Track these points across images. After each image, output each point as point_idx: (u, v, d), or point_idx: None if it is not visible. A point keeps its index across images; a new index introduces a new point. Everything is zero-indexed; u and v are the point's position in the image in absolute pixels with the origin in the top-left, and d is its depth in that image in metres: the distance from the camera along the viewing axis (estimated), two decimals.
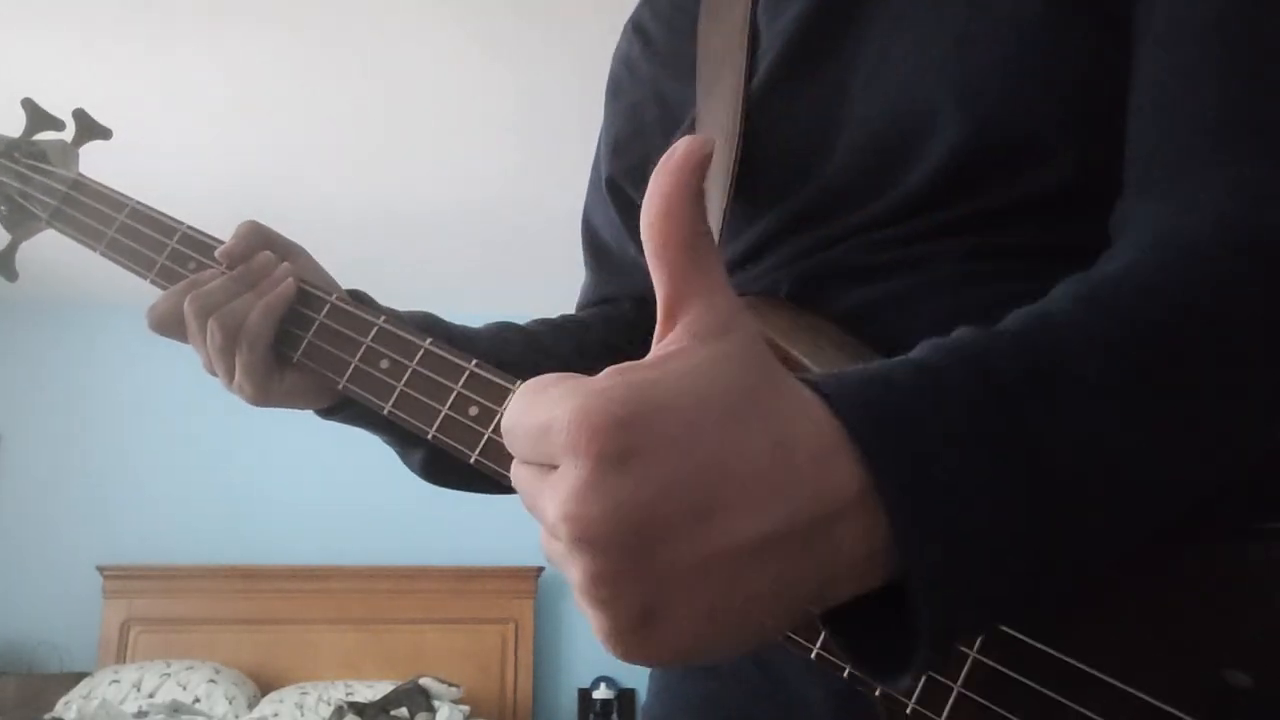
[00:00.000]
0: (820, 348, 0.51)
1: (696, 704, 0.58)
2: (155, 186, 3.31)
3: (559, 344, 0.69)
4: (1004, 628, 0.43)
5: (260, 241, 0.65)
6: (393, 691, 3.10)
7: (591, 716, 3.58)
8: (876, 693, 0.44)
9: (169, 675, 3.27)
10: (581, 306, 0.77)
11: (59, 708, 3.08)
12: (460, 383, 0.58)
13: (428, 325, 0.65)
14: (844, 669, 0.45)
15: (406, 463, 0.70)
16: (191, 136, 2.89)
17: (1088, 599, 0.42)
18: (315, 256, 0.68)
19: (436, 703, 3.10)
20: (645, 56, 0.69)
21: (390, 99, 2.83)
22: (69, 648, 3.61)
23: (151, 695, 3.16)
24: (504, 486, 0.69)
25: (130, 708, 3.04)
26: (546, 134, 2.99)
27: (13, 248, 0.79)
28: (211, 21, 2.48)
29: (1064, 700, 0.42)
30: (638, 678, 3.68)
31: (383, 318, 0.62)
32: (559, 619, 3.82)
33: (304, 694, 3.27)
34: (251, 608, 3.65)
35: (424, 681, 3.17)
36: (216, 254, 0.65)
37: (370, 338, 0.62)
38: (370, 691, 3.22)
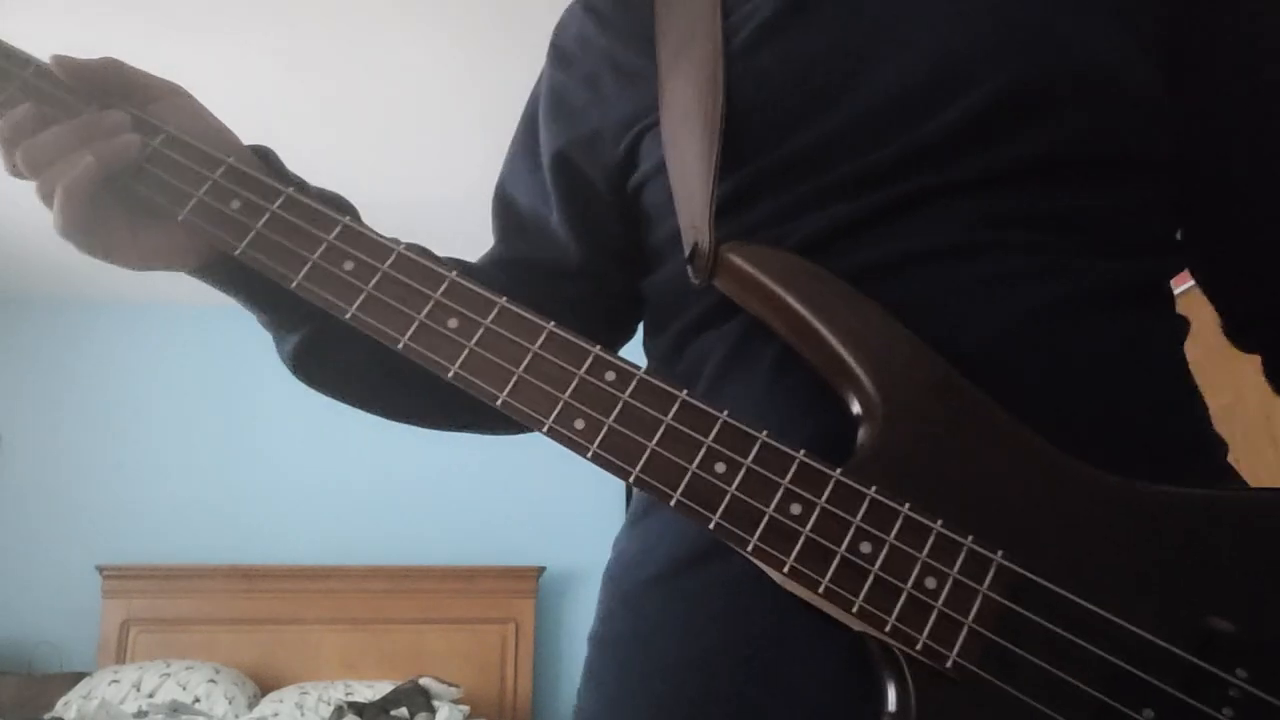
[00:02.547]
0: (836, 310, 0.51)
1: (657, 684, 0.55)
2: None
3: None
4: (1014, 567, 0.46)
5: (116, 78, 0.60)
6: (393, 691, 3.10)
7: None
8: (886, 629, 0.45)
9: (169, 675, 3.27)
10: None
11: (59, 708, 3.08)
12: (388, 264, 0.55)
13: (341, 206, 0.62)
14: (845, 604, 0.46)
15: (278, 349, 0.67)
16: None
17: (1090, 544, 0.47)
18: None
19: (436, 703, 3.10)
20: (598, 31, 0.70)
21: (367, 94, 2.84)
22: (69, 648, 3.60)
23: (151, 695, 3.16)
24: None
25: (130, 708, 3.03)
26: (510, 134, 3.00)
27: None
28: (196, 17, 2.48)
29: (1070, 636, 0.45)
30: None
31: (291, 188, 0.58)
32: (559, 619, 3.82)
33: (304, 694, 3.27)
34: (251, 608, 3.65)
35: (424, 681, 3.17)
36: (51, 61, 0.60)
37: (278, 205, 0.57)
38: (370, 691, 3.21)
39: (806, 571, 0.47)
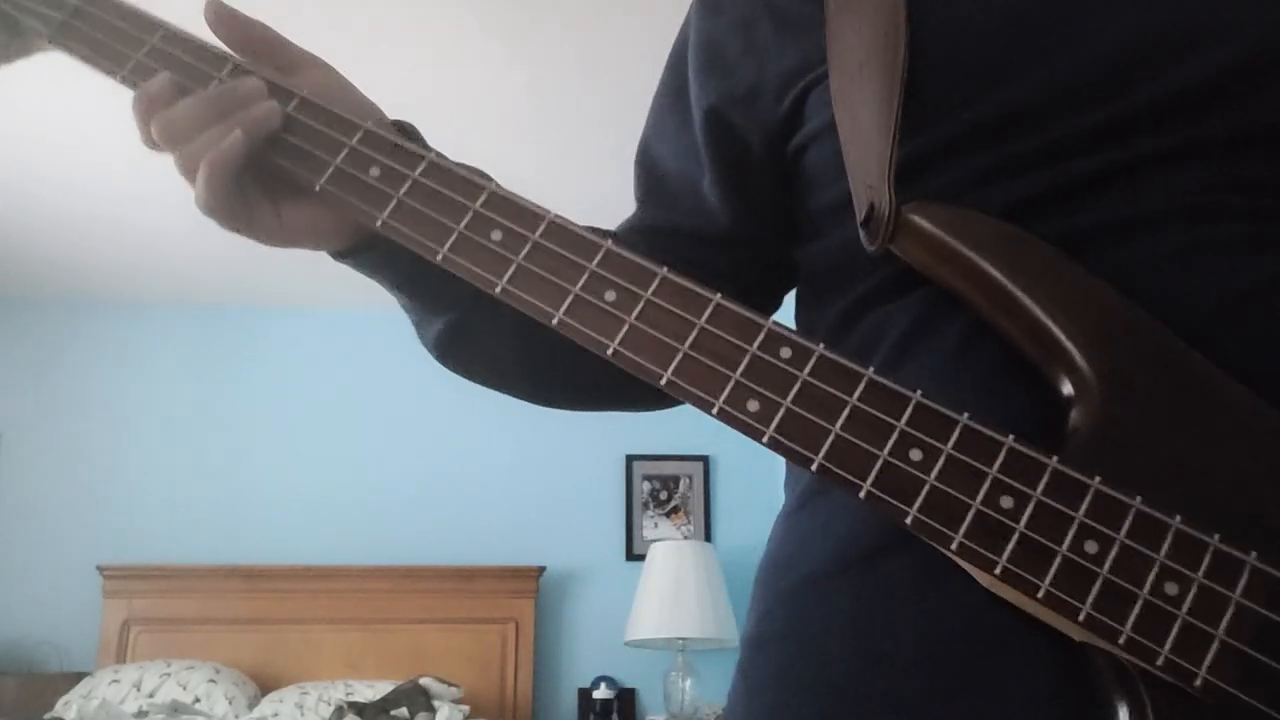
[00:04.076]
0: (1044, 281, 0.46)
1: (822, 691, 0.49)
2: (154, 183, 3.32)
3: None
4: (1272, 570, 0.39)
5: (264, 39, 0.59)
6: (393, 691, 3.09)
7: (592, 716, 3.58)
8: (1120, 641, 0.39)
9: (169, 675, 3.27)
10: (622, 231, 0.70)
11: (59, 708, 3.07)
12: (539, 233, 0.51)
13: (483, 175, 0.59)
14: (1079, 611, 0.40)
15: (421, 334, 0.65)
16: None
17: None
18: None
19: (436, 703, 3.10)
20: None
21: (402, 95, 2.81)
22: (69, 648, 3.60)
23: (151, 695, 3.16)
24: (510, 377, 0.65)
25: (130, 708, 3.03)
26: (560, 130, 2.99)
27: None
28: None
29: None
30: (637, 678, 3.68)
31: (433, 153, 0.54)
32: (559, 619, 3.82)
33: (304, 694, 3.26)
34: (251, 608, 3.64)
35: (424, 681, 3.17)
36: (210, 9, 0.58)
37: (419, 171, 0.54)
38: (370, 691, 3.21)
39: (1023, 574, 0.41)
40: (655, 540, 3.64)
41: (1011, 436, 0.43)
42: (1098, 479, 0.42)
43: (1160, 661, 0.39)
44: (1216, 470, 0.42)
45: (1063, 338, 0.44)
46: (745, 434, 0.46)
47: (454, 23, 2.56)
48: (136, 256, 3.68)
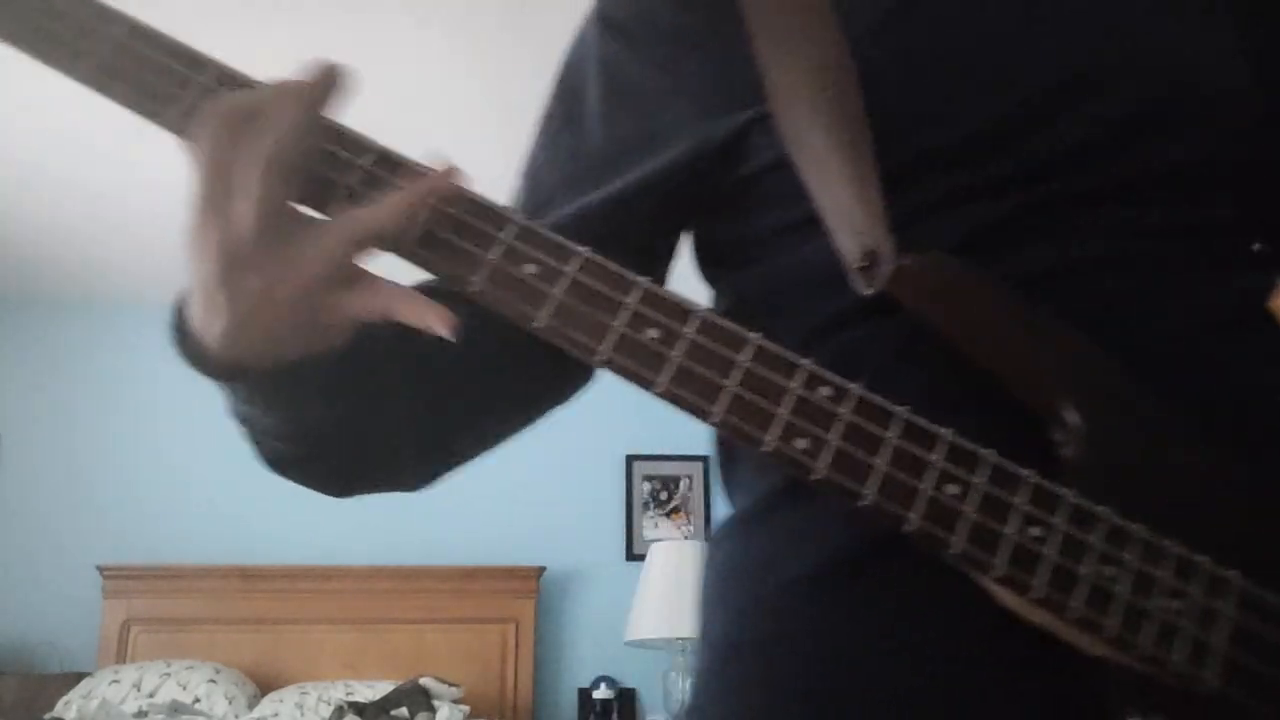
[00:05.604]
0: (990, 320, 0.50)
1: (819, 683, 0.52)
2: (154, 183, 3.32)
3: None
4: (1252, 589, 0.46)
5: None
6: (393, 691, 3.10)
7: (592, 716, 3.58)
8: (1138, 655, 0.44)
9: (169, 675, 3.27)
10: None
11: (59, 708, 3.07)
12: (576, 266, 0.48)
13: None
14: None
15: (261, 447, 0.62)
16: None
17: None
18: None
19: (437, 703, 3.10)
20: (668, 3, 0.63)
21: (362, 96, 2.85)
22: (69, 648, 3.60)
23: (151, 695, 3.16)
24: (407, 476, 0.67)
25: (130, 708, 3.03)
26: (519, 133, 3.00)
27: None
28: (195, 18, 2.49)
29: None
30: (638, 678, 3.68)
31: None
32: (559, 619, 3.82)
33: (304, 694, 3.27)
34: (251, 608, 3.64)
35: (424, 681, 3.17)
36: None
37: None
38: (370, 691, 3.21)
39: (1056, 598, 0.45)
40: (655, 540, 3.65)
41: (1033, 472, 0.47)
42: (1106, 511, 0.46)
43: (1173, 670, 0.44)
44: (1192, 500, 0.48)
45: (1060, 390, 0.48)
46: (792, 471, 0.46)
47: (408, 21, 2.57)
48: (136, 256, 3.68)
